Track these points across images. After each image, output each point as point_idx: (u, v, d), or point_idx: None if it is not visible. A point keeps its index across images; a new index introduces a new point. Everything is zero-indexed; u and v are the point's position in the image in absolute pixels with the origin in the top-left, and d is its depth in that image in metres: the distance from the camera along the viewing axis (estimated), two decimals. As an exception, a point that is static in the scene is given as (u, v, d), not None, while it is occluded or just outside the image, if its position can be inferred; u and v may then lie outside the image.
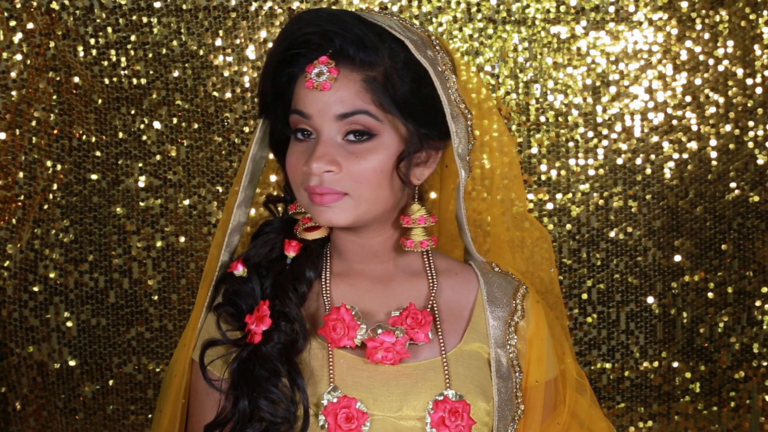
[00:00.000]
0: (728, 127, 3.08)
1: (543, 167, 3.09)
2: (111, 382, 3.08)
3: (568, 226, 3.10)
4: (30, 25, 2.98)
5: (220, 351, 1.76)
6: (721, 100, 3.08)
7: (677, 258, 3.12)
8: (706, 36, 3.06)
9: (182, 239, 3.06)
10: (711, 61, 3.07)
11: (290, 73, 1.73)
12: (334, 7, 3.01)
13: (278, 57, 1.72)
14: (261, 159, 1.86)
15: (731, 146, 3.09)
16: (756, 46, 3.06)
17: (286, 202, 1.85)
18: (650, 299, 3.12)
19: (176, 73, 3.02)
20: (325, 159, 1.67)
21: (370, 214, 1.73)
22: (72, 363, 3.07)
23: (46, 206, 3.03)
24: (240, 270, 1.78)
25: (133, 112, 3.02)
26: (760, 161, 3.09)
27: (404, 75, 1.71)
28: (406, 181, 1.73)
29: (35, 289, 3.05)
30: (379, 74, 1.69)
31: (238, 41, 3.02)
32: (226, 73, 3.03)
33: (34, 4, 2.98)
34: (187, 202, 3.06)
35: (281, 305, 1.73)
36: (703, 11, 3.06)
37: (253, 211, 1.96)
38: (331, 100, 1.68)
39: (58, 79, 3.00)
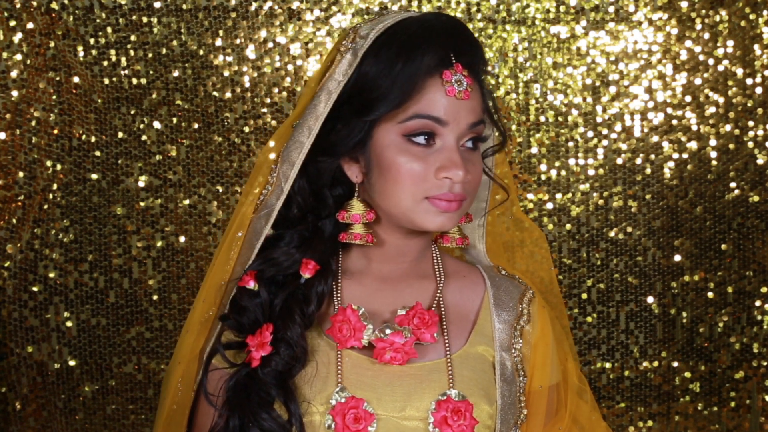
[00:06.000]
0: (728, 127, 3.08)
1: (543, 167, 3.09)
2: (111, 382, 3.07)
3: (568, 226, 3.10)
4: (30, 25, 2.97)
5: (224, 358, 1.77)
6: (721, 100, 3.08)
7: (677, 258, 3.12)
8: (706, 36, 3.07)
9: (182, 239, 3.06)
10: (711, 61, 3.07)
11: (416, 76, 1.70)
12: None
13: (431, 61, 1.69)
14: None
15: (731, 146, 3.09)
16: (756, 46, 3.07)
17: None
18: (650, 299, 3.12)
19: (176, 73, 3.02)
20: (465, 166, 1.70)
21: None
22: (72, 363, 3.06)
23: (46, 206, 3.03)
24: (251, 285, 1.77)
25: (133, 112, 3.02)
26: (760, 161, 3.09)
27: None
28: (493, 177, 1.86)
29: (35, 289, 3.04)
30: (482, 83, 1.77)
31: (238, 41, 3.02)
32: (226, 73, 3.02)
33: (34, 4, 2.97)
34: (187, 202, 3.06)
35: (284, 329, 1.72)
36: (703, 11, 3.06)
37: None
38: (466, 109, 1.71)
39: (58, 79, 2.99)
